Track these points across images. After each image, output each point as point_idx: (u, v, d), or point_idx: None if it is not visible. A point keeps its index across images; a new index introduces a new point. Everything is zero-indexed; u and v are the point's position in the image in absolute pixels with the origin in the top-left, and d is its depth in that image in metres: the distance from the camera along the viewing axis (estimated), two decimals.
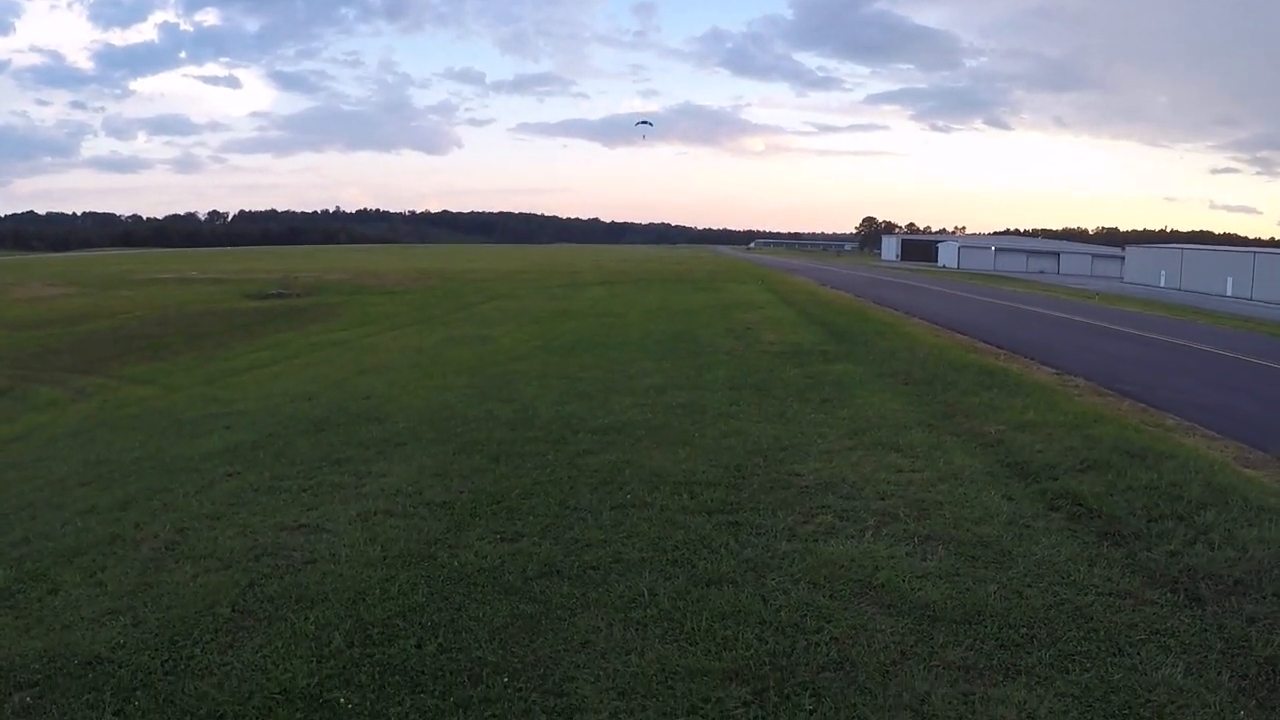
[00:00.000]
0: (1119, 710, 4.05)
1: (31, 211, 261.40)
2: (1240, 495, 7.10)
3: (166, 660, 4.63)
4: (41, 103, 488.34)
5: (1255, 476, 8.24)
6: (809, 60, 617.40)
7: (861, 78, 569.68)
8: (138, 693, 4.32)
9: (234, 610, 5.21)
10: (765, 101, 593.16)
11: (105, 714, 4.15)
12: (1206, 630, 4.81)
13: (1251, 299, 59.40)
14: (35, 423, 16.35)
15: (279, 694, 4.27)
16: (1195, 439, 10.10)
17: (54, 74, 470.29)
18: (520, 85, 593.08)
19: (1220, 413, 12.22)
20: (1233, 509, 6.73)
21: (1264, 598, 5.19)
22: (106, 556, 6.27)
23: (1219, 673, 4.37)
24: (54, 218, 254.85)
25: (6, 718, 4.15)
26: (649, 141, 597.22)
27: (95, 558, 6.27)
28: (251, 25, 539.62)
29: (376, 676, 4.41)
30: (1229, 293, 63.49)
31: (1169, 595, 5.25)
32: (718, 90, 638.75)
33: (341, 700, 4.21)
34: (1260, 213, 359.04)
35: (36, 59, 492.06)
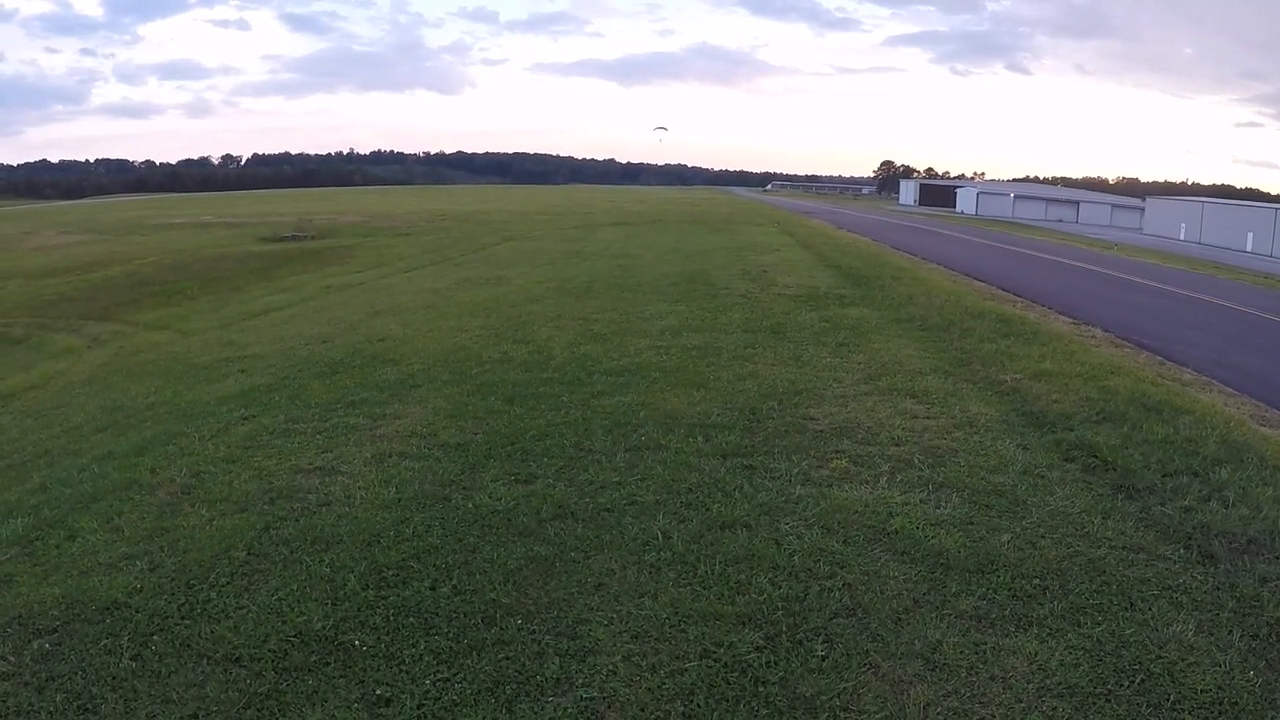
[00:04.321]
0: (1129, 665, 4.05)
1: (44, 160, 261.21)
2: (1256, 453, 7.03)
3: (183, 604, 4.68)
4: (51, 51, 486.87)
5: (1271, 435, 8.16)
6: (828, 0, 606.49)
7: (881, 19, 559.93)
8: (155, 637, 4.37)
9: (249, 554, 5.25)
10: (783, 42, 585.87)
11: (123, 659, 4.20)
12: (1219, 588, 4.79)
13: (1272, 255, 58.55)
14: (51, 370, 16.45)
15: (294, 636, 4.32)
16: (1212, 395, 10.01)
17: (63, 21, 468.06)
18: (534, 24, 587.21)
19: (1238, 369, 12.08)
20: (1248, 467, 6.66)
21: (1277, 557, 5.16)
22: (123, 502, 6.33)
23: (1230, 631, 4.36)
24: (67, 166, 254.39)
25: (26, 664, 4.20)
26: (665, 82, 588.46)
27: (112, 503, 6.32)
28: None
29: (391, 619, 4.45)
30: (1250, 248, 62.62)
31: (1182, 551, 5.22)
32: (735, 30, 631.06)
33: (356, 642, 4.25)
34: None
35: (45, 6, 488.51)
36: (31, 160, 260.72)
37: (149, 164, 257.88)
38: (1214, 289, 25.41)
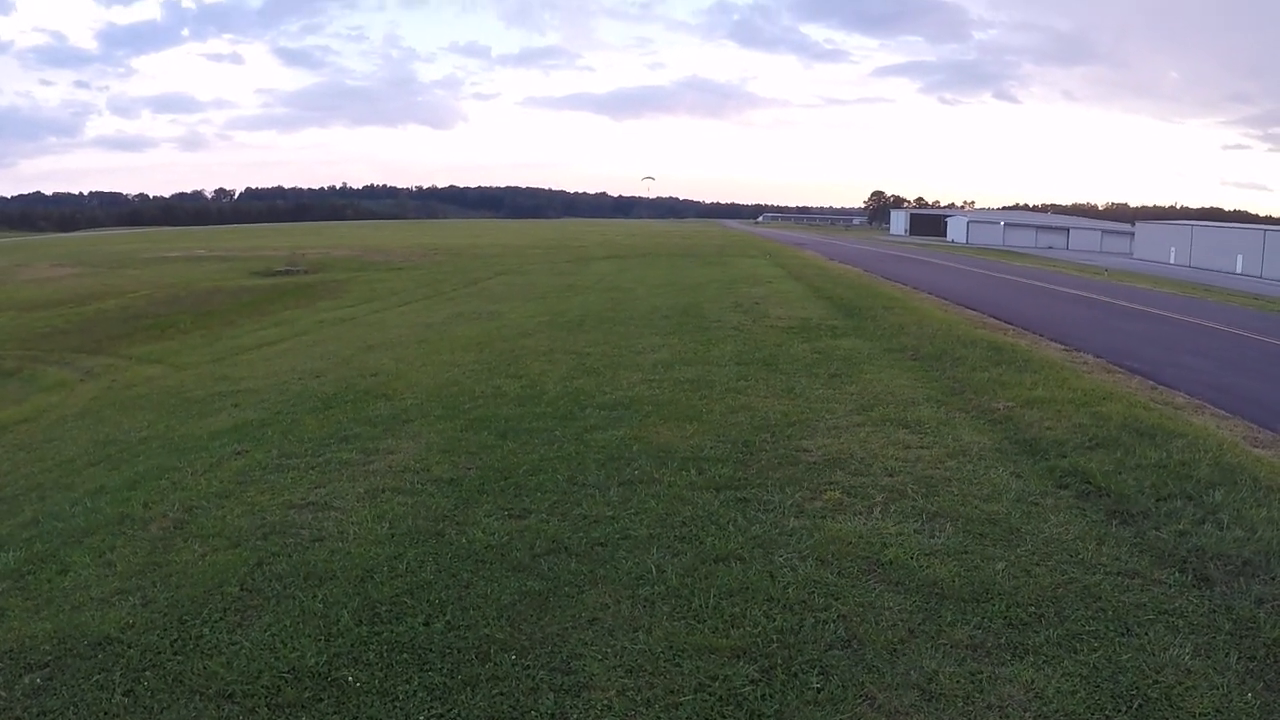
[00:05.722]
0: (1126, 690, 4.04)
1: (38, 192, 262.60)
2: (1249, 475, 7.05)
3: (175, 640, 4.65)
4: (45, 83, 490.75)
5: (1265, 456, 8.18)
6: (816, 32, 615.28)
7: (869, 50, 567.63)
8: (147, 672, 4.34)
9: (242, 589, 5.23)
10: (772, 74, 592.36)
11: (115, 694, 4.17)
12: (1215, 611, 4.79)
13: (1262, 276, 59.07)
14: (44, 404, 16.41)
15: (287, 672, 4.29)
16: (1204, 417, 10.04)
17: (57, 54, 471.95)
18: (526, 58, 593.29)
19: (1230, 392, 12.14)
20: (1242, 489, 6.68)
21: (1273, 579, 5.16)
22: (115, 536, 6.30)
23: (1227, 654, 4.35)
24: (60, 198, 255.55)
25: (17, 699, 4.17)
26: (656, 115, 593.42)
27: (104, 538, 6.29)
28: (255, 1, 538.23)
29: (385, 654, 4.43)
30: (1239, 270, 63.14)
31: (1177, 575, 5.22)
32: (725, 63, 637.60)
33: (350, 678, 4.22)
34: (1271, 190, 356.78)
35: (39, 39, 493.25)
36: (25, 192, 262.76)
37: (142, 197, 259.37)
38: (1205, 312, 25.55)
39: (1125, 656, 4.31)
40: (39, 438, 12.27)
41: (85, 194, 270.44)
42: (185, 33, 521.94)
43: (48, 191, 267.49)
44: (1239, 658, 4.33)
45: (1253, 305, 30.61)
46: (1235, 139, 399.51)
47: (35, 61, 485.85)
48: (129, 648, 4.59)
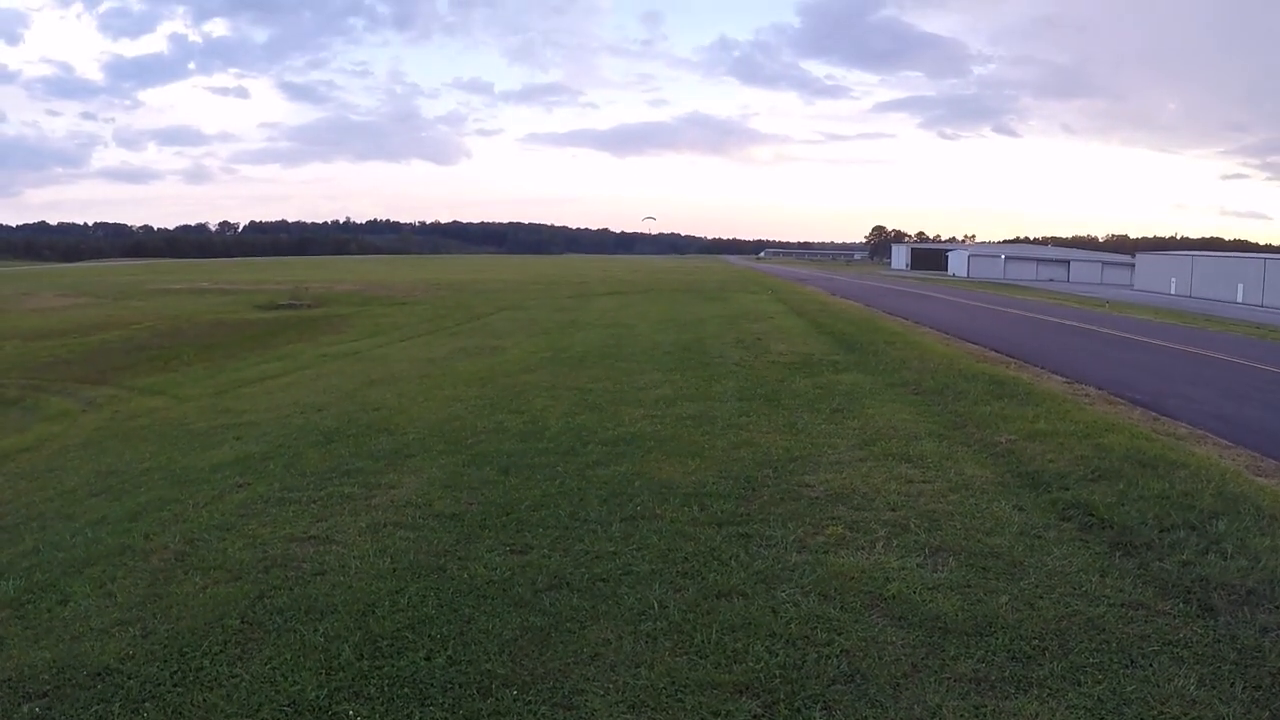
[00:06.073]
0: None
1: (43, 222, 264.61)
2: (1253, 504, 7.05)
3: (175, 672, 4.63)
4: (52, 113, 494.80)
5: (1268, 485, 8.18)
6: (816, 68, 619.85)
7: (869, 86, 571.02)
8: (147, 704, 4.32)
9: (243, 622, 5.21)
10: (773, 110, 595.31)
11: None
12: (1220, 641, 4.78)
13: (1263, 305, 59.24)
14: (46, 433, 16.38)
15: (288, 706, 4.27)
16: (1207, 447, 10.03)
17: (64, 85, 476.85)
18: (528, 95, 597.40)
19: (1233, 421, 12.14)
20: (1245, 518, 6.68)
21: (1277, 607, 5.15)
22: (116, 567, 6.30)
23: (1232, 684, 4.34)
24: (65, 228, 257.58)
25: None
26: (658, 151, 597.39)
27: (105, 568, 6.29)
28: (260, 36, 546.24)
29: (386, 689, 4.41)
30: (1240, 299, 63.33)
31: (1181, 606, 5.21)
32: (726, 99, 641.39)
33: (350, 713, 4.20)
34: (1270, 218, 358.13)
35: (46, 69, 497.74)
36: (30, 221, 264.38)
37: (147, 229, 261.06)
38: (1206, 342, 25.59)
39: (1130, 688, 4.29)
40: (41, 467, 12.26)
41: (90, 224, 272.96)
42: (191, 66, 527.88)
43: (53, 221, 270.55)
44: (1244, 687, 4.31)
45: (1254, 334, 30.66)
46: (1234, 168, 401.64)
47: (42, 92, 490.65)
48: (129, 679, 4.57)
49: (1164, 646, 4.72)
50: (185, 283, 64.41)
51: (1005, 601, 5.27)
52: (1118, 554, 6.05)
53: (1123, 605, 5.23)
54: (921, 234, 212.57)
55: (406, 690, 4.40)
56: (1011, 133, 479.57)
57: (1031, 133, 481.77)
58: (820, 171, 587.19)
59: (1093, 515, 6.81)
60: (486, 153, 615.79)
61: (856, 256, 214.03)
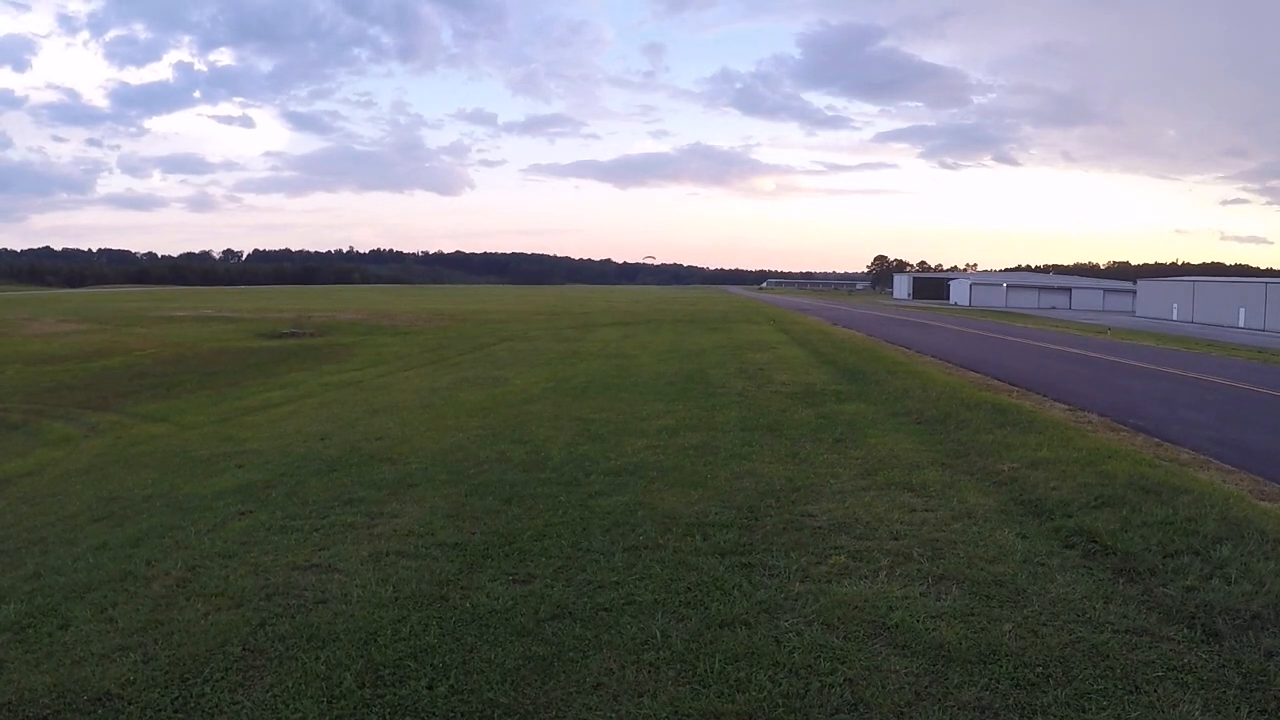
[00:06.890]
0: None
1: (48, 247, 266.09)
2: (1256, 529, 7.04)
3: (177, 698, 4.61)
4: (58, 140, 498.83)
5: (1271, 509, 8.15)
6: (817, 99, 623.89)
7: (870, 116, 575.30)
8: None
9: (245, 649, 5.20)
10: (775, 141, 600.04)
11: None
12: (1224, 666, 4.76)
13: (1264, 329, 59.21)
14: (48, 458, 16.40)
15: None
16: (1210, 473, 10.02)
17: (70, 111, 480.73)
18: (531, 126, 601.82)
19: (1236, 446, 12.12)
20: (1249, 542, 6.68)
21: None
22: (118, 593, 6.28)
23: (1238, 709, 4.32)
24: (70, 254, 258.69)
25: None
26: (660, 182, 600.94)
27: (106, 594, 6.28)
28: (265, 65, 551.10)
29: (387, 718, 4.39)
30: (1241, 324, 63.34)
31: (1186, 631, 5.20)
32: (728, 130, 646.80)
33: None
34: (1271, 243, 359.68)
35: (53, 96, 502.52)
36: (35, 247, 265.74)
37: (151, 256, 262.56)
38: (1208, 367, 25.59)
39: (1135, 714, 4.27)
40: (43, 492, 12.27)
41: (94, 251, 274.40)
42: (196, 95, 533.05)
43: (57, 247, 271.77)
44: (1250, 711, 4.30)
45: (1256, 358, 30.64)
46: (1234, 193, 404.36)
47: (48, 118, 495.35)
48: (129, 704, 4.55)
49: (1169, 672, 4.70)
50: (189, 310, 64.60)
51: (1009, 629, 5.26)
52: (1121, 580, 6.04)
53: (1127, 631, 5.21)
54: (923, 263, 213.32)
55: (408, 719, 4.38)
56: (1012, 161, 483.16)
57: (1032, 161, 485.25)
58: (822, 202, 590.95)
59: (1096, 542, 6.80)
60: (489, 183, 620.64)
61: (859, 286, 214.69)
